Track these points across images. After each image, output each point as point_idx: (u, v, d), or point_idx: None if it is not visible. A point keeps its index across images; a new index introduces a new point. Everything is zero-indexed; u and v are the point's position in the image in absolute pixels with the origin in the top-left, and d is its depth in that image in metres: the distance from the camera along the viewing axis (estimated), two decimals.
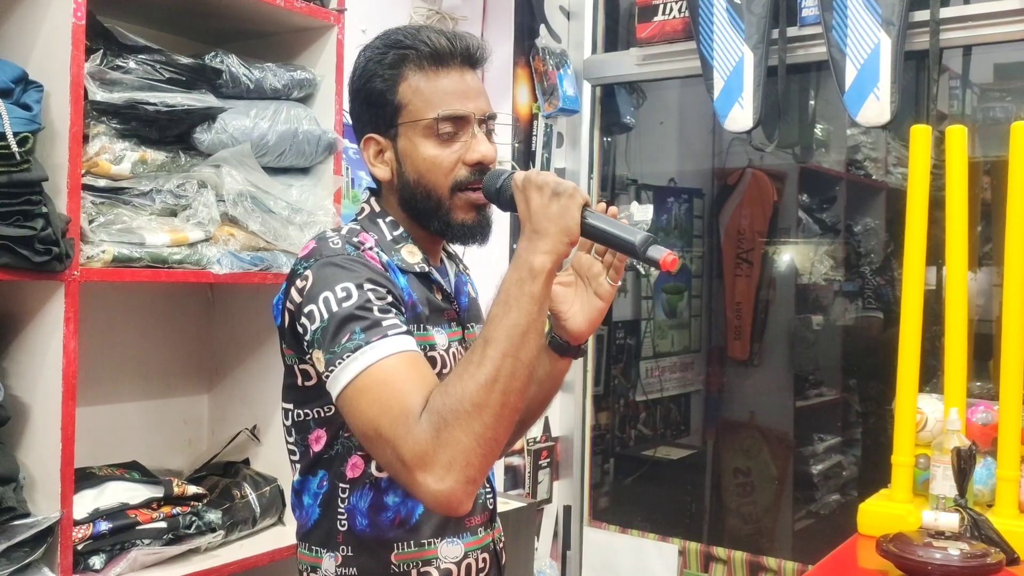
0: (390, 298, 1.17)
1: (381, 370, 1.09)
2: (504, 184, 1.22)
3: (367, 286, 1.15)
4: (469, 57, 1.28)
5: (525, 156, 3.10)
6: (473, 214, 1.28)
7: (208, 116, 1.76)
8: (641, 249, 1.12)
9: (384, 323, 1.12)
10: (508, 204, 1.22)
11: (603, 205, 1.21)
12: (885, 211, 3.97)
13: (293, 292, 1.20)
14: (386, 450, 1.08)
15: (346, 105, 2.00)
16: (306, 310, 1.16)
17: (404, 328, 1.14)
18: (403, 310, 1.20)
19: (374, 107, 1.28)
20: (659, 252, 1.11)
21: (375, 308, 1.13)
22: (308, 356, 1.18)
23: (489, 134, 1.29)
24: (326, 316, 1.14)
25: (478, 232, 1.29)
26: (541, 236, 1.13)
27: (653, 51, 3.05)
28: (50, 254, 1.50)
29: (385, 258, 1.24)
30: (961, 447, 1.77)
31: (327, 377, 1.13)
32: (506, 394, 1.07)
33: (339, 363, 1.11)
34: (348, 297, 1.14)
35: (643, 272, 3.67)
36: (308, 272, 1.18)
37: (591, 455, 3.31)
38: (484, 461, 1.07)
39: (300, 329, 1.18)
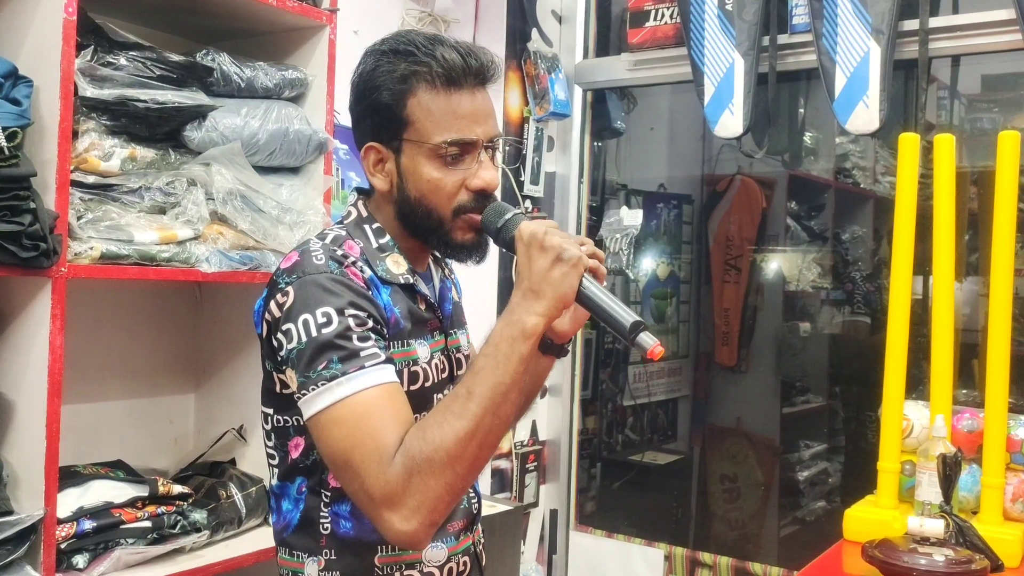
0: (371, 323, 1.16)
1: (357, 403, 1.10)
2: (506, 226, 1.21)
3: (348, 311, 1.14)
4: (482, 77, 1.26)
5: (516, 160, 3.11)
6: (473, 235, 1.27)
7: (198, 114, 1.76)
8: (630, 335, 1.13)
9: (363, 353, 1.12)
10: (506, 245, 1.21)
11: (603, 269, 1.20)
12: (872, 219, 3.99)
13: (272, 306, 1.19)
14: (354, 482, 1.09)
15: (337, 105, 2.00)
16: (284, 327, 1.16)
17: (383, 358, 1.14)
18: (385, 332, 1.19)
19: (379, 117, 1.25)
20: (647, 341, 1.12)
21: (354, 336, 1.13)
22: (283, 370, 1.18)
23: (494, 154, 1.27)
24: (304, 339, 1.13)
25: (475, 252, 1.29)
26: (538, 298, 1.12)
27: (644, 56, 3.06)
28: (37, 250, 1.49)
29: (368, 273, 1.22)
30: (947, 454, 1.78)
31: (299, 398, 1.14)
32: (481, 448, 1.09)
33: (313, 389, 1.12)
34: (328, 323, 1.13)
35: (632, 277, 3.68)
36: (290, 289, 1.17)
37: (578, 459, 3.31)
38: (449, 507, 1.10)
39: (276, 343, 1.18)
